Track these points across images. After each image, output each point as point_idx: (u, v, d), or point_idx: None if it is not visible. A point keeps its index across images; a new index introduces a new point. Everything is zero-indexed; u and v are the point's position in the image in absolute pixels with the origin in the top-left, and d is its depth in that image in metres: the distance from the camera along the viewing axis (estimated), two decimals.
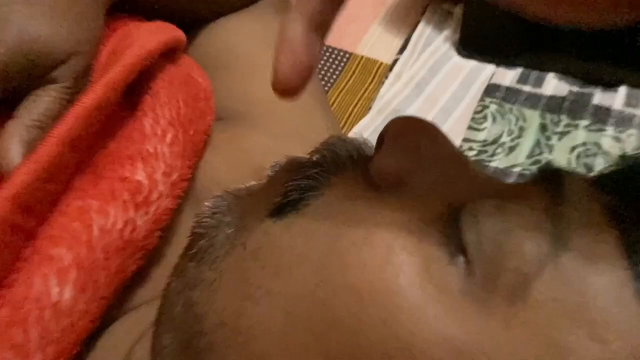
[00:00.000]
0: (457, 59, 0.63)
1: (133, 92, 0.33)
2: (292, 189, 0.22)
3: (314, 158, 0.24)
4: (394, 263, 0.19)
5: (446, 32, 0.66)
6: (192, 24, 0.43)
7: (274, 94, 0.40)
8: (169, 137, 0.33)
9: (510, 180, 0.52)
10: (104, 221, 0.28)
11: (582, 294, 0.18)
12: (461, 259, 0.19)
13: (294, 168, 0.24)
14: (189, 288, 0.23)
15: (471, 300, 0.18)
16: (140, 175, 0.30)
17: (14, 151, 0.28)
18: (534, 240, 0.18)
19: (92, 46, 0.32)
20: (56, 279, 0.26)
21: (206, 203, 0.25)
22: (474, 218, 0.19)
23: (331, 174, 0.23)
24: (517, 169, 0.53)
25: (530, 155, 0.54)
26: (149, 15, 0.39)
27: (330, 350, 0.19)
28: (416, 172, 0.22)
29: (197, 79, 0.39)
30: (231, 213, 0.24)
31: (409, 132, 0.23)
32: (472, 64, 0.63)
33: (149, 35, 0.33)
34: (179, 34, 0.37)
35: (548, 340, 0.17)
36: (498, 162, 0.54)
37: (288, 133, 0.41)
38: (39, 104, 0.29)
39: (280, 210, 0.22)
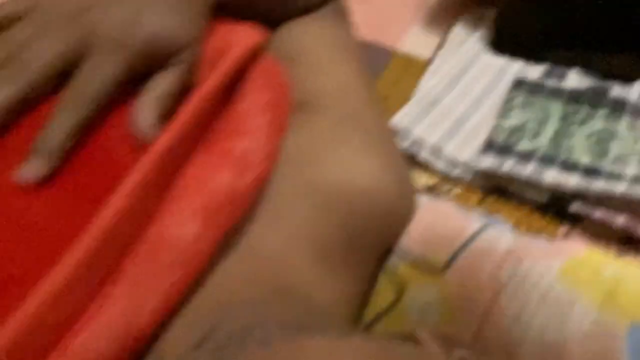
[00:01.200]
0: (487, 57, 0.71)
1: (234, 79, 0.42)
2: None
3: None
4: None
5: (479, 33, 0.73)
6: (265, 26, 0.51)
7: (336, 88, 0.48)
8: (266, 116, 0.41)
9: (535, 160, 0.59)
10: (219, 180, 0.36)
11: None
12: None
13: None
14: None
15: None
16: (245, 146, 0.39)
17: (151, 120, 0.36)
18: None
19: (201, 39, 0.40)
20: (189, 216, 0.34)
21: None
22: None
23: None
24: (541, 151, 0.60)
25: (552, 140, 0.61)
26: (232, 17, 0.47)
27: None
28: None
29: (279, 70, 0.47)
30: None
31: None
32: (501, 61, 0.70)
33: (246, 35, 0.42)
34: (266, 33, 0.46)
35: None
36: (524, 145, 0.61)
37: (345, 119, 0.49)
38: (164, 81, 0.38)
39: None
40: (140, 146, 0.36)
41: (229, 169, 0.37)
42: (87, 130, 0.36)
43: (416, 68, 0.73)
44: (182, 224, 0.33)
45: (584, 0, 0.65)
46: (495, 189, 0.61)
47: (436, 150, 0.63)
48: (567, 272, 0.43)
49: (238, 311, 0.33)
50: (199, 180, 0.35)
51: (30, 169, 0.34)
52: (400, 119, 0.65)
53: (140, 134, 0.36)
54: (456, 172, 0.62)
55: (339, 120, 0.48)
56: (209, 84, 0.37)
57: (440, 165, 0.63)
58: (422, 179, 0.63)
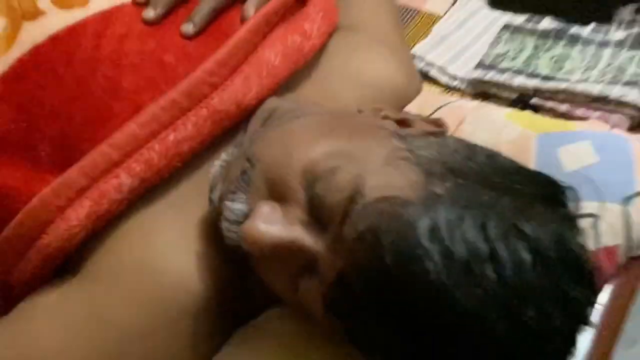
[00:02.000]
0: (485, 10, 0.97)
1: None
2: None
3: None
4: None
5: None
6: None
7: (371, 17, 0.76)
8: (320, 14, 0.68)
9: (509, 72, 0.84)
10: (292, 39, 0.63)
11: None
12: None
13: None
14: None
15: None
16: (307, 27, 0.66)
17: (252, 7, 0.64)
18: None
19: None
20: (274, 54, 0.60)
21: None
22: None
23: None
24: (515, 68, 0.86)
25: (525, 62, 0.87)
26: None
27: None
28: None
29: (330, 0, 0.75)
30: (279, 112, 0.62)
31: None
32: (496, 13, 0.96)
33: None
34: None
35: None
36: (504, 64, 0.87)
37: (378, 37, 0.76)
38: None
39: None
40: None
41: (300, 34, 0.64)
42: (220, 12, 0.65)
43: (433, 21, 1.00)
44: (272, 53, 0.61)
45: None
46: (482, 94, 0.86)
47: (442, 70, 0.90)
48: (508, 115, 0.69)
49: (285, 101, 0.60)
50: (282, 35, 0.63)
51: (187, 28, 0.61)
52: (418, 48, 0.92)
53: (247, 13, 0.64)
54: (455, 83, 0.88)
55: (373, 38, 0.75)
56: None
57: (444, 79, 0.89)
58: (431, 89, 0.89)
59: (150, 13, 0.60)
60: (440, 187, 0.41)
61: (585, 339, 0.56)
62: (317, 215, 0.44)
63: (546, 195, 0.45)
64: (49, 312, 0.53)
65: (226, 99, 0.58)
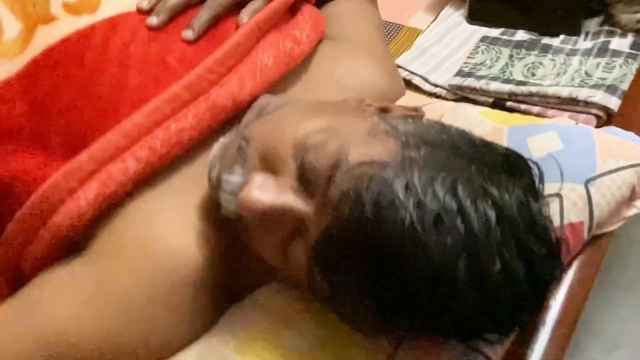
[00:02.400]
0: (464, 25, 1.04)
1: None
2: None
3: None
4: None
5: (461, 11, 1.07)
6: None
7: (357, 29, 0.83)
8: (309, 23, 0.74)
9: (485, 79, 0.91)
10: (283, 44, 0.70)
11: None
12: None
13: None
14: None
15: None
16: (297, 34, 0.72)
17: (247, 16, 0.71)
18: None
19: None
20: (267, 56, 0.67)
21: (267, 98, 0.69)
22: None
23: None
24: (491, 74, 0.92)
25: (500, 70, 0.93)
26: None
27: None
28: None
29: (318, 13, 0.81)
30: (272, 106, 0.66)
31: None
32: (473, 27, 1.03)
33: None
34: None
35: None
36: (482, 72, 0.93)
37: (363, 46, 0.82)
38: (255, 4, 0.72)
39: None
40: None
41: (291, 40, 0.70)
42: (217, 20, 0.71)
43: (417, 34, 1.07)
44: (265, 56, 0.67)
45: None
46: (461, 99, 0.93)
47: (424, 78, 0.96)
48: (484, 112, 0.75)
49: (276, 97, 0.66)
50: (275, 40, 0.69)
51: (187, 34, 0.68)
52: (402, 59, 0.99)
53: (241, 21, 0.71)
54: (436, 90, 0.95)
55: (358, 47, 0.82)
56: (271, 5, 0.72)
57: (426, 87, 0.96)
58: (414, 95, 0.95)
59: (153, 20, 0.67)
60: (415, 153, 0.46)
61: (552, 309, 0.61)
62: (306, 182, 0.49)
63: (513, 166, 0.50)
64: (60, 285, 0.57)
65: (223, 94, 0.64)
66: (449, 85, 0.93)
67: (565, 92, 0.85)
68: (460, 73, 0.94)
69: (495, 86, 0.90)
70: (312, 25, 0.76)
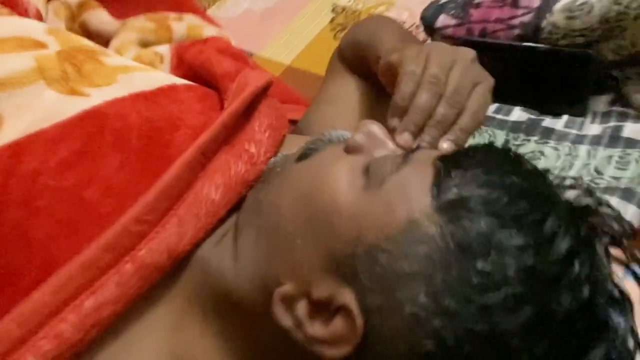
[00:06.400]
0: None
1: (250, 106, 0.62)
2: (307, 147, 0.52)
3: (322, 137, 0.53)
4: (339, 175, 0.47)
5: None
6: None
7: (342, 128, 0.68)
8: (267, 134, 0.61)
9: None
10: (236, 167, 0.57)
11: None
12: (367, 174, 0.46)
13: (312, 139, 0.53)
14: (257, 192, 0.54)
15: (365, 188, 0.45)
16: (254, 150, 0.59)
17: None
18: (389, 164, 0.46)
19: None
20: (214, 188, 0.55)
21: (273, 159, 0.57)
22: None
23: (326, 144, 0.52)
24: None
25: None
26: None
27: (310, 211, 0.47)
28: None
29: (280, 107, 0.68)
30: (280, 162, 0.56)
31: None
32: None
33: (257, 77, 0.63)
34: (271, 77, 0.67)
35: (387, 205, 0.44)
36: None
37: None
38: None
39: (300, 157, 0.52)
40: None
41: (244, 162, 0.57)
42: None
43: None
44: (212, 188, 0.54)
45: (523, 54, 0.86)
46: None
47: None
48: None
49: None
50: (225, 164, 0.56)
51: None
52: None
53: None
54: None
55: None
56: (229, 110, 0.58)
57: None
58: None
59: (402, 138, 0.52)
60: None
61: None
62: None
63: None
64: None
65: (156, 249, 0.50)
66: None
67: (570, 198, 0.72)
68: None
69: None
70: (270, 135, 0.62)
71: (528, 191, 0.44)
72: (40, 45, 0.63)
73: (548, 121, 0.83)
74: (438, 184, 0.43)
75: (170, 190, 0.52)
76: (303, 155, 0.52)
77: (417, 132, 0.52)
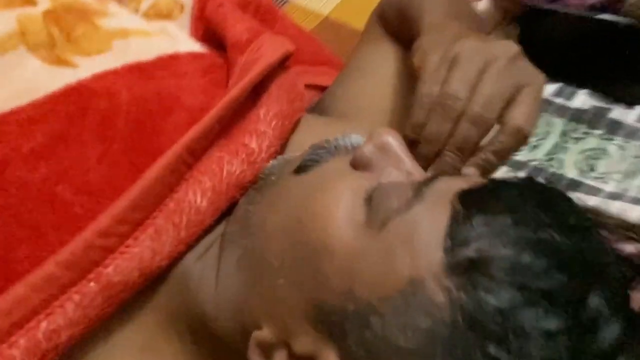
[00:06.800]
0: None
1: (258, 85, 0.53)
2: (307, 157, 0.43)
3: (326, 145, 0.44)
4: (337, 201, 0.39)
5: None
6: None
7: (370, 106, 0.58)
8: (272, 124, 0.52)
9: (525, 170, 0.67)
10: (230, 168, 0.49)
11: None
12: (369, 207, 0.38)
13: (315, 147, 0.44)
14: (248, 203, 0.46)
15: (365, 226, 0.37)
16: (254, 145, 0.50)
17: None
18: (396, 197, 0.37)
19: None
20: (200, 194, 0.47)
21: (270, 163, 0.48)
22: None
23: (331, 154, 0.43)
24: (533, 163, 0.68)
25: (547, 154, 0.69)
26: None
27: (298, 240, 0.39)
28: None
29: (298, 84, 0.58)
30: (277, 169, 0.46)
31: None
32: None
33: (271, 50, 0.53)
34: (290, 47, 0.57)
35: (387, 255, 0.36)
36: (520, 156, 0.69)
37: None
38: None
39: (298, 169, 0.43)
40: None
41: (241, 160, 0.48)
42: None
43: None
44: (198, 193, 0.46)
45: (596, 27, 0.72)
46: None
47: None
48: None
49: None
50: (216, 163, 0.48)
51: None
52: None
53: None
54: None
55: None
56: (230, 95, 0.49)
57: None
58: None
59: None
60: None
61: None
62: None
63: None
64: None
65: (125, 267, 0.44)
66: None
67: (635, 214, 0.61)
68: None
69: None
70: (277, 125, 0.53)
71: (570, 255, 0.34)
72: (28, 1, 0.55)
73: (617, 112, 0.71)
74: (453, 235, 0.35)
75: (146, 198, 0.45)
76: (302, 168, 0.44)
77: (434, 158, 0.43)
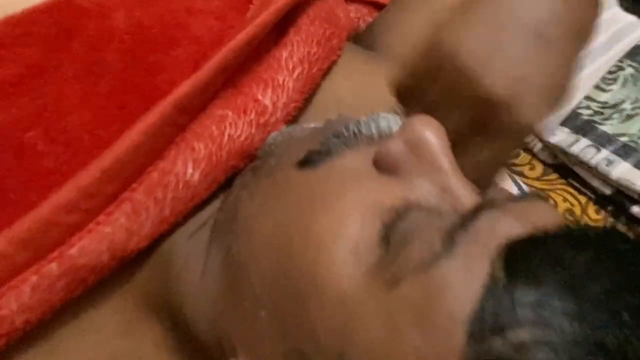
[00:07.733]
0: (615, 10, 0.62)
1: (284, 19, 0.42)
2: (316, 149, 0.32)
3: (345, 127, 0.33)
4: (341, 228, 0.28)
5: None
6: None
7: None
8: (296, 73, 0.41)
9: (611, 147, 0.54)
10: (233, 131, 0.39)
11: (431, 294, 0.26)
12: (385, 247, 0.27)
13: (329, 126, 0.33)
14: (241, 187, 0.36)
15: (372, 272, 0.27)
16: (268, 101, 0.40)
17: None
18: (422, 246, 0.27)
19: None
20: (192, 164, 0.38)
21: (272, 134, 0.37)
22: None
23: (349, 143, 0.32)
24: (623, 139, 0.55)
25: None
26: None
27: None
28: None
29: (339, 14, 0.46)
30: (279, 148, 0.35)
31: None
32: (629, 19, 0.61)
33: None
34: None
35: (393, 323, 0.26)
36: (609, 127, 0.56)
37: None
38: None
39: (303, 162, 0.32)
40: None
41: (249, 122, 0.38)
42: None
43: None
44: (189, 163, 0.37)
45: None
46: (561, 167, 0.57)
47: None
48: None
49: None
50: (215, 123, 0.38)
51: None
52: None
53: None
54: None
55: None
56: (243, 34, 0.38)
57: None
58: None
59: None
60: None
61: None
62: None
63: None
64: None
65: (92, 249, 0.36)
66: (544, 141, 0.57)
67: None
68: (571, 120, 0.57)
69: (622, 171, 0.53)
70: (302, 74, 0.42)
71: None
72: None
73: None
74: (484, 315, 0.25)
75: (122, 167, 0.36)
76: (307, 161, 0.33)
77: None
